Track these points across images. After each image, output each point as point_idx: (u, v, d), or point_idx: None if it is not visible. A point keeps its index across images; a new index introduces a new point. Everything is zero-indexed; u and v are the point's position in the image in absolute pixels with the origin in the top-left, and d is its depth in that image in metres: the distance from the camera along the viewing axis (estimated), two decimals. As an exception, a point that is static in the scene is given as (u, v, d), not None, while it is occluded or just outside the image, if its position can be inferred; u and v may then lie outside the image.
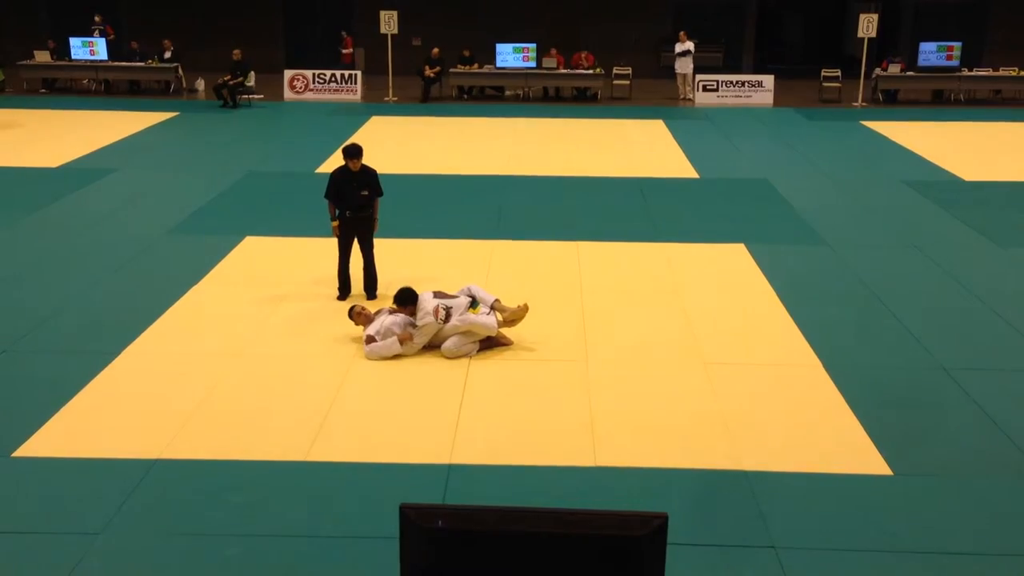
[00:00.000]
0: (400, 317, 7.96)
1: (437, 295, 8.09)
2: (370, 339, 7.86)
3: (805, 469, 6.23)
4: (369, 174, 9.06)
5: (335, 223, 9.09)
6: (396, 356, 7.81)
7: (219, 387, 7.32)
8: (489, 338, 7.99)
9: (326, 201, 9.14)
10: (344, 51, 24.83)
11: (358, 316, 8.09)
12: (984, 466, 6.31)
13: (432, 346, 7.94)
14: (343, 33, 25.19)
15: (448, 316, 7.86)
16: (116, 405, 7.03)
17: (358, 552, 5.33)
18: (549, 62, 22.90)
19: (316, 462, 6.27)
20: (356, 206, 9.00)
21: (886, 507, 5.82)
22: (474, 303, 8.01)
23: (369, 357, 7.79)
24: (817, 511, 5.77)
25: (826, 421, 6.88)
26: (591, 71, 23.02)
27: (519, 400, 7.17)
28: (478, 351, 7.92)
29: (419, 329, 7.85)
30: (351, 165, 8.97)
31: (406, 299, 7.98)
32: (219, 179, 14.17)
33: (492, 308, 8.04)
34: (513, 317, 8.09)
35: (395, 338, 7.79)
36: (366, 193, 9.01)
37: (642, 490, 5.97)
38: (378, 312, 8.16)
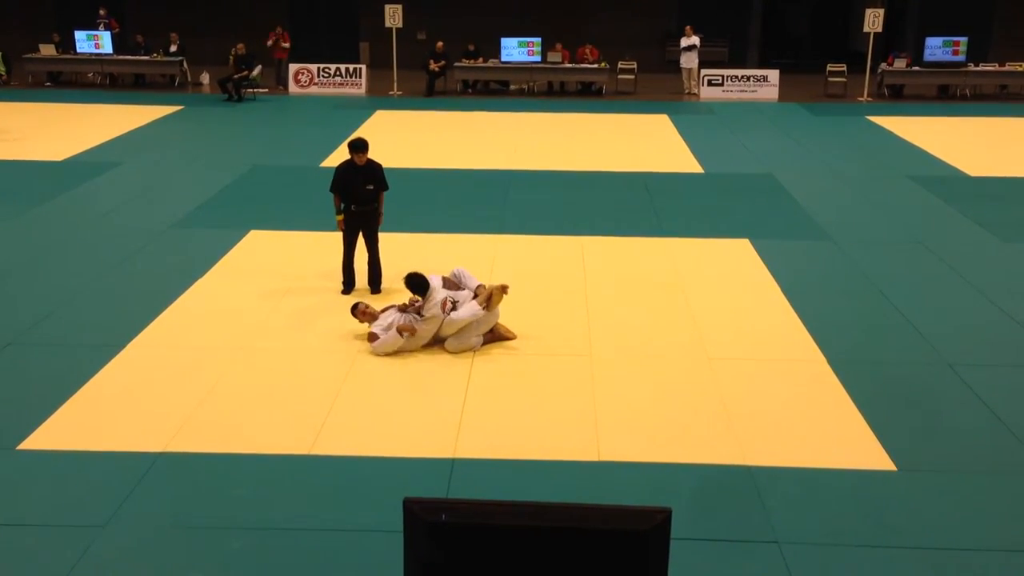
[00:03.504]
0: (405, 316, 7.94)
1: (446, 283, 8.07)
2: (373, 336, 7.85)
3: (809, 464, 6.23)
4: (375, 168, 9.06)
5: (340, 217, 9.09)
6: (400, 350, 7.81)
7: (223, 381, 7.33)
8: (493, 332, 8.00)
9: (331, 195, 9.15)
10: (271, 44, 22.97)
11: (362, 314, 8.07)
12: (988, 462, 6.31)
13: (436, 340, 7.95)
14: (280, 29, 23.33)
15: (454, 308, 7.85)
16: (121, 398, 7.04)
17: (362, 546, 5.33)
18: (554, 56, 22.86)
19: (320, 456, 6.28)
20: (361, 200, 9.00)
21: (890, 503, 5.81)
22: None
23: (375, 353, 7.79)
24: (821, 507, 5.76)
25: (830, 417, 6.88)
26: (596, 65, 22.98)
27: (523, 394, 7.17)
28: (482, 344, 7.92)
29: (425, 320, 7.82)
30: (357, 159, 8.96)
31: (418, 286, 7.92)
32: (224, 173, 14.17)
33: (475, 293, 8.01)
34: (490, 299, 7.98)
35: (395, 331, 7.79)
36: (371, 187, 9.01)
37: (646, 485, 5.97)
38: (383, 310, 8.14)
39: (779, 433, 6.62)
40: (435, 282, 7.99)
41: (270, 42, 23.02)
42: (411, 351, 7.85)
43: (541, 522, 3.04)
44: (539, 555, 3.04)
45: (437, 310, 7.80)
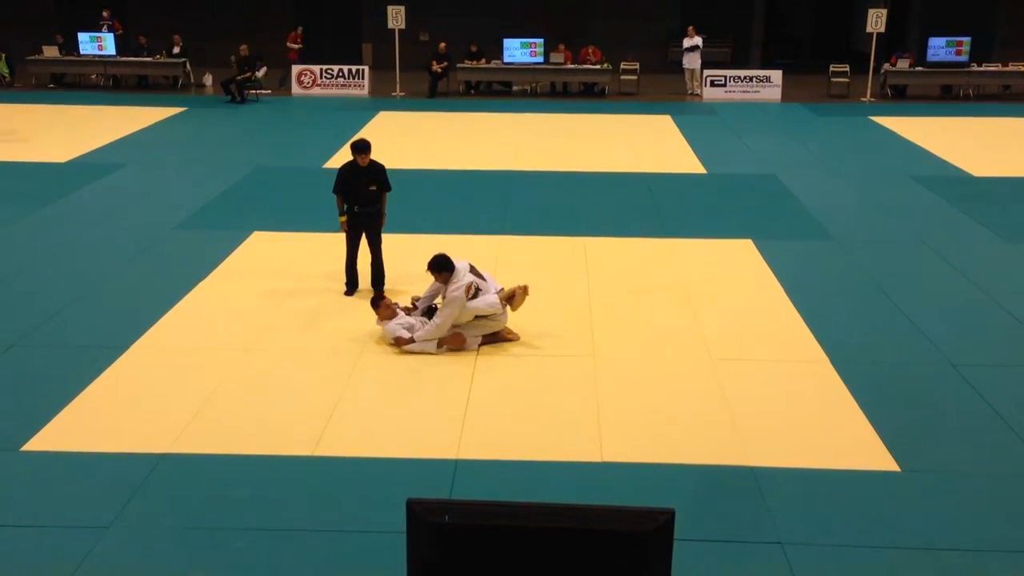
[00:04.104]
0: (419, 320, 7.94)
1: (472, 271, 8.04)
2: (402, 340, 7.79)
3: (812, 465, 6.22)
4: (377, 169, 9.07)
5: (343, 218, 9.10)
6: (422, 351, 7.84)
7: (227, 382, 7.34)
8: (495, 333, 7.99)
9: (334, 196, 9.15)
10: (288, 44, 23.51)
11: (385, 308, 8.02)
12: (991, 462, 6.30)
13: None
14: (300, 29, 23.87)
15: (476, 295, 7.84)
16: (124, 400, 7.05)
17: (365, 547, 5.34)
18: (556, 57, 22.88)
19: (323, 457, 6.28)
20: (364, 201, 9.00)
21: (893, 503, 5.81)
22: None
23: (411, 351, 7.79)
24: (824, 507, 5.76)
25: (833, 417, 6.88)
26: (598, 66, 22.98)
27: (526, 395, 7.18)
28: (481, 344, 7.91)
29: (448, 302, 7.76)
30: (359, 160, 8.97)
31: (443, 266, 7.86)
32: (227, 174, 14.19)
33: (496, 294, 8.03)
34: (512, 297, 7.99)
35: (433, 343, 7.77)
36: (374, 188, 9.02)
37: (649, 485, 5.97)
38: (403, 309, 8.13)
39: (782, 434, 6.62)
40: (461, 266, 7.96)
41: (297, 45, 23.19)
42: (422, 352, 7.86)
43: (544, 523, 3.04)
44: (542, 556, 3.04)
45: (460, 292, 7.76)
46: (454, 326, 7.83)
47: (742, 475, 6.09)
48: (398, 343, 7.81)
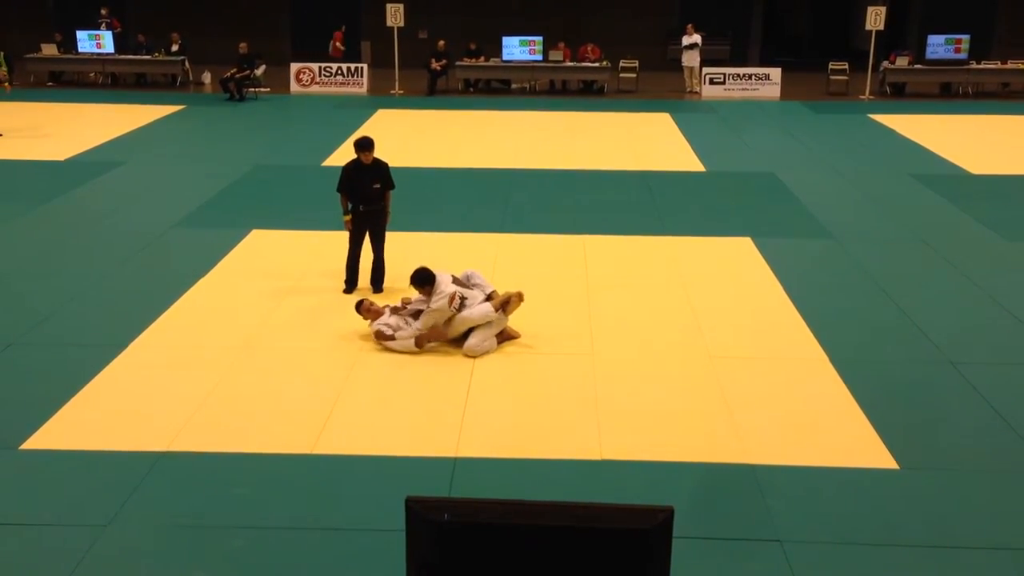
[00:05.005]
0: (397, 318, 7.94)
1: (455, 281, 8.06)
2: (381, 335, 7.82)
3: (811, 463, 6.22)
4: (381, 167, 9.05)
5: (347, 216, 9.08)
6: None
7: (225, 380, 7.33)
8: (501, 331, 7.98)
9: (338, 194, 9.12)
10: (338, 44, 24.15)
11: (367, 311, 8.06)
12: (991, 460, 6.30)
13: (452, 341, 7.92)
14: (343, 28, 24.55)
15: (462, 306, 7.84)
16: (123, 398, 7.04)
17: (364, 545, 5.34)
18: (555, 55, 22.86)
19: (322, 455, 6.28)
20: (368, 199, 8.99)
21: (892, 501, 5.81)
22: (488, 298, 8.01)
23: (391, 349, 7.80)
24: (823, 505, 5.76)
25: (832, 415, 6.87)
26: (597, 64, 22.98)
27: (525, 393, 7.17)
28: (497, 345, 7.90)
29: (430, 311, 7.79)
30: (363, 158, 8.96)
31: (424, 280, 7.88)
32: (226, 172, 14.17)
33: (488, 297, 8.01)
34: (507, 303, 7.99)
35: (411, 341, 7.80)
36: (378, 186, 9.00)
37: (648, 483, 5.97)
38: (386, 307, 8.14)
39: (781, 431, 6.62)
40: (443, 278, 7.97)
41: (343, 46, 23.65)
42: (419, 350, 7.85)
43: (543, 521, 3.04)
44: (541, 554, 3.04)
45: (444, 302, 7.77)
46: (458, 334, 7.84)
47: (741, 473, 6.09)
48: (378, 336, 7.83)
